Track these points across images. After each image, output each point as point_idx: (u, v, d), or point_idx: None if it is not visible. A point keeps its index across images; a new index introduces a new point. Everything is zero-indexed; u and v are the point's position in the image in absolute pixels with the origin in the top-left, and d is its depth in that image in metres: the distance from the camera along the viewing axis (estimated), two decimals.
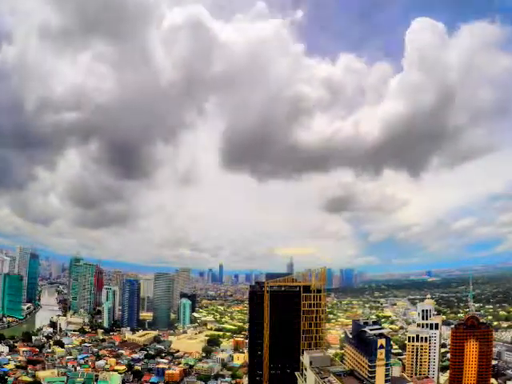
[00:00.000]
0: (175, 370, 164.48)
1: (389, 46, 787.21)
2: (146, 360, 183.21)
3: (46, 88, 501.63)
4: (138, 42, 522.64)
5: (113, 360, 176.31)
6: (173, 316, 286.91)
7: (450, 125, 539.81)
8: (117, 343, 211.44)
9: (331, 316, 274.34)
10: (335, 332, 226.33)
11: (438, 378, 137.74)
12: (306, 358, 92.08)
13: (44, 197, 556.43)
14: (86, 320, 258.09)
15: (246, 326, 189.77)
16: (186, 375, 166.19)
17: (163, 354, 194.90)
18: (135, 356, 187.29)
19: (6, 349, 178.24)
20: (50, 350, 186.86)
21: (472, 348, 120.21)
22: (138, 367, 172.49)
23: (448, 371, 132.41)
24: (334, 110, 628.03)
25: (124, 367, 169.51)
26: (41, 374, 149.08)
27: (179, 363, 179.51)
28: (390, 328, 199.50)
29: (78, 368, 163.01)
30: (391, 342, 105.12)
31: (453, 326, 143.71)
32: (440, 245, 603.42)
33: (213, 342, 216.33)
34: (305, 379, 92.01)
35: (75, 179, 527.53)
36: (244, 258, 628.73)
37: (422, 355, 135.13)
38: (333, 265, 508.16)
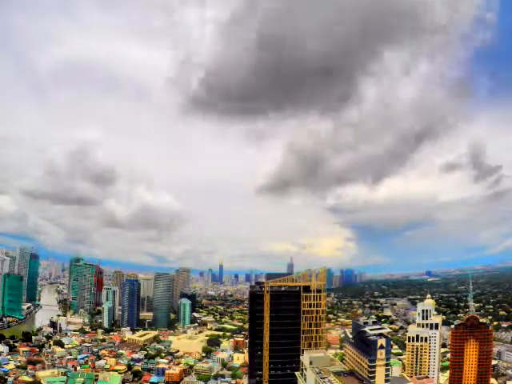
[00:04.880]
0: (175, 370, 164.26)
1: None
2: (146, 360, 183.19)
3: None
4: None
5: (113, 360, 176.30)
6: (173, 316, 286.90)
7: None
8: (117, 343, 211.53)
9: (331, 316, 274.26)
10: (335, 332, 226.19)
11: (438, 377, 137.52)
12: (305, 358, 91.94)
13: None
14: (86, 320, 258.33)
15: (246, 326, 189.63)
16: (186, 375, 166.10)
17: (163, 354, 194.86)
18: (135, 356, 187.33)
19: (6, 349, 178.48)
20: (50, 350, 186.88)
21: (472, 348, 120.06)
22: (138, 367, 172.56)
23: (448, 371, 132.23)
24: None
25: (124, 367, 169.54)
26: (41, 373, 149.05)
27: (179, 363, 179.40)
28: (390, 328, 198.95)
29: (78, 368, 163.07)
30: (391, 342, 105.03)
31: (453, 326, 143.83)
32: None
33: (213, 342, 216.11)
34: (305, 379, 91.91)
35: None
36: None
37: (422, 355, 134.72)
38: (333, 265, 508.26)
